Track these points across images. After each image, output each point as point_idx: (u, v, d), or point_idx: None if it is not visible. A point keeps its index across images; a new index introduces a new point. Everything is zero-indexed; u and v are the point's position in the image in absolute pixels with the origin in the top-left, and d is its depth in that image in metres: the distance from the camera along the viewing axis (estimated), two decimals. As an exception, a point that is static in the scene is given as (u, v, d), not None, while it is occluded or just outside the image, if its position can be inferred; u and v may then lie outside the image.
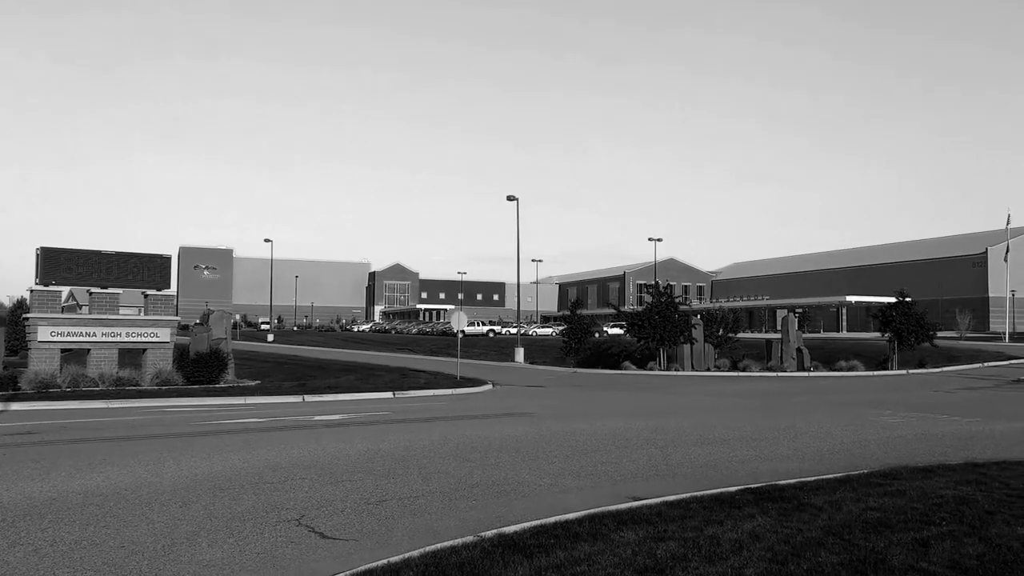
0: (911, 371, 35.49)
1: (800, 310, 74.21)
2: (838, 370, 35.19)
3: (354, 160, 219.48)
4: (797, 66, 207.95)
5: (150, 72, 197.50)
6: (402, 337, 77.25)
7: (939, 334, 39.78)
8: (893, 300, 38.21)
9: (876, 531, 6.64)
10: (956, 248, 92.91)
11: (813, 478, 9.27)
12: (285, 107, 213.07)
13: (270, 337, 73.99)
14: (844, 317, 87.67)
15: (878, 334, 41.65)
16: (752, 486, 8.69)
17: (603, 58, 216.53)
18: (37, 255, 21.69)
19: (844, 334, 76.97)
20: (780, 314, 47.36)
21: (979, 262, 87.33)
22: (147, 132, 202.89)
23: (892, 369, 36.05)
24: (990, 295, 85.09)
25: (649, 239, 78.12)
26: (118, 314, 23.05)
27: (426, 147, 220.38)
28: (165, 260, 23.85)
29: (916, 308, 37.84)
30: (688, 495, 8.23)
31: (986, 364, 38.46)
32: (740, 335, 41.88)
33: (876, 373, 35.01)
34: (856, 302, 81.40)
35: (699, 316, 39.83)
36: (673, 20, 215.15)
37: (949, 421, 16.90)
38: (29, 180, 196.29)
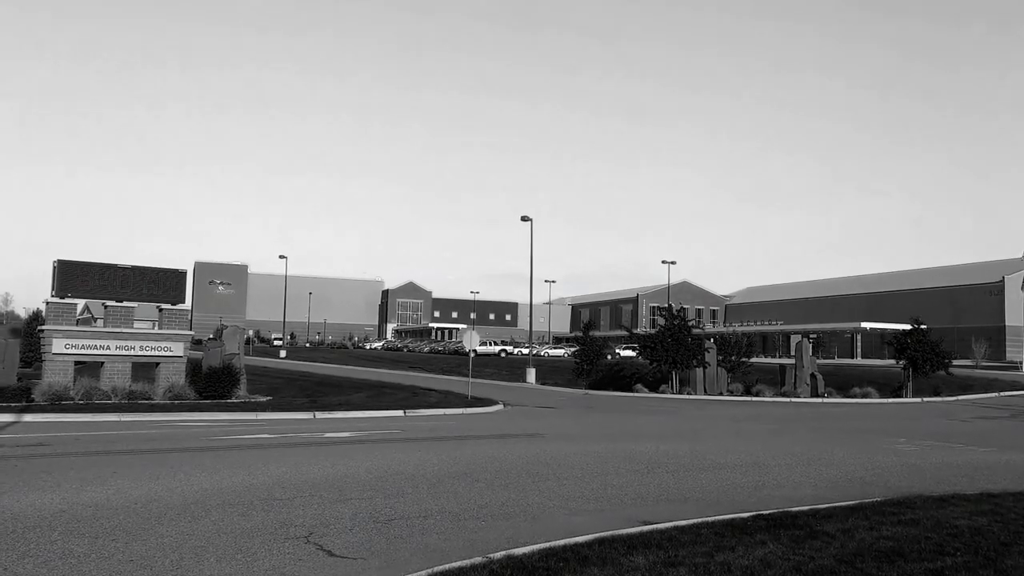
0: (926, 399, 35.18)
1: (814, 336, 73.82)
2: (852, 397, 34.92)
3: (369, 178, 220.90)
4: (815, 93, 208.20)
5: (166, 86, 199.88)
6: (414, 355, 77.27)
7: (954, 362, 39.47)
8: (908, 327, 37.97)
9: (889, 561, 6.57)
10: (972, 276, 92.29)
11: (825, 505, 9.18)
12: (302, 124, 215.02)
13: (283, 353, 74.15)
14: (859, 344, 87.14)
15: (892, 361, 41.37)
16: (764, 512, 8.62)
17: (621, 78, 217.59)
18: (54, 268, 21.87)
19: (858, 361, 76.48)
20: (794, 339, 47.11)
21: (996, 291, 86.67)
22: (164, 146, 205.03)
23: (906, 397, 35.75)
24: (1007, 324, 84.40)
25: (663, 262, 77.90)
26: (132, 328, 23.17)
27: (441, 166, 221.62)
28: (180, 275, 23.98)
29: (931, 336, 37.59)
30: (699, 520, 8.17)
31: (1002, 393, 38.10)
32: (753, 360, 41.68)
33: (890, 400, 34.71)
34: (871, 329, 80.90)
35: (712, 340, 39.65)
36: (693, 43, 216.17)
37: (964, 450, 16.73)
38: (46, 192, 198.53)
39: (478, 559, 6.50)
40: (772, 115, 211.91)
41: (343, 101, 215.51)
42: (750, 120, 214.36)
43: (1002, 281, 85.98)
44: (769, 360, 62.23)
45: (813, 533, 7.54)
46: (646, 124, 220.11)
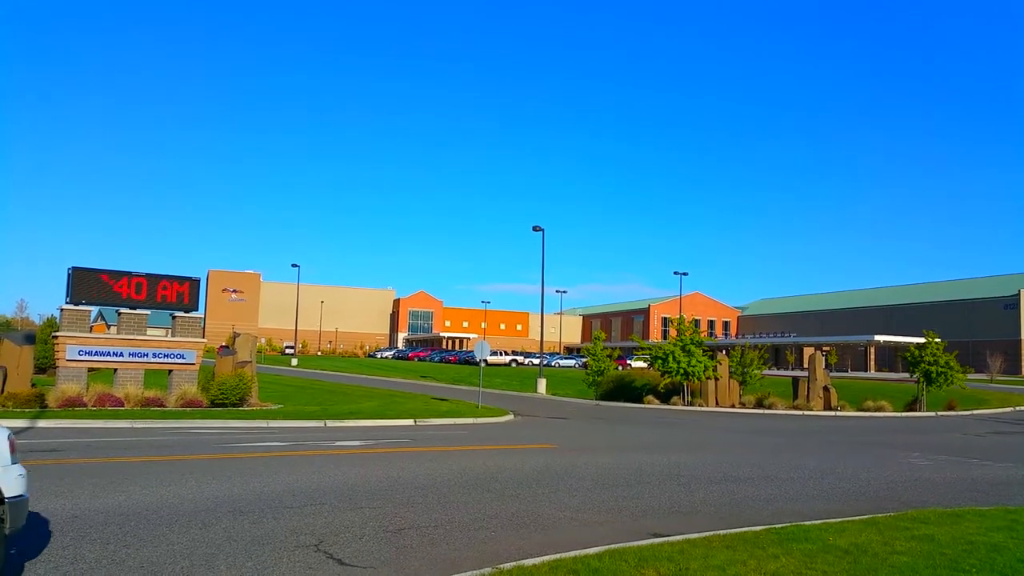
0: (939, 413, 34.87)
1: (827, 348, 73.36)
2: (865, 410, 34.66)
3: (381, 187, 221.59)
4: (826, 99, 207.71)
5: (178, 93, 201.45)
6: (424, 365, 77.34)
7: (969, 376, 39.14)
8: (922, 340, 37.69)
9: (903, 576, 6.50)
10: (987, 289, 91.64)
11: (838, 519, 9.11)
12: (314, 133, 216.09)
13: (294, 361, 74.42)
14: (872, 357, 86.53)
15: (907, 374, 41.07)
16: (776, 526, 8.56)
17: (631, 86, 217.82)
18: (68, 275, 22.00)
19: (872, 374, 75.94)
20: (807, 352, 46.83)
21: (1011, 304, 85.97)
22: (179, 154, 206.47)
23: (920, 410, 35.45)
24: (1022, 338, 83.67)
25: (675, 273, 77.80)
26: (145, 335, 23.29)
27: (453, 175, 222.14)
28: (194, 283, 24.09)
29: (945, 349, 37.31)
30: (711, 533, 8.11)
31: (1017, 408, 37.72)
32: (766, 372, 41.46)
33: (904, 414, 34.44)
34: (884, 342, 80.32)
35: (724, 352, 39.48)
36: (704, 51, 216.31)
37: (979, 465, 16.56)
38: (61, 200, 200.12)
39: (488, 570, 6.48)
40: (785, 120, 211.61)
41: (355, 110, 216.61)
42: (764, 128, 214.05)
43: (1018, 295, 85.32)
44: (782, 373, 61.88)
45: (826, 547, 7.47)
46: (658, 134, 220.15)
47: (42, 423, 17.88)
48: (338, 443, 16.66)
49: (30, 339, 23.51)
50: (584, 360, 51.38)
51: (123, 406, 21.30)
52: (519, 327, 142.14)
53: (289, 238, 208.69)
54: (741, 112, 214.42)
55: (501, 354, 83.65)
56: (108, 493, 9.59)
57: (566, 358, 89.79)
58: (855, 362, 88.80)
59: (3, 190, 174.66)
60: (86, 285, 22.08)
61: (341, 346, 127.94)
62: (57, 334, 22.18)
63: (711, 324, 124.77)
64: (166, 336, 25.11)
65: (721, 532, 8.17)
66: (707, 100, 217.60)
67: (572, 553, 7.08)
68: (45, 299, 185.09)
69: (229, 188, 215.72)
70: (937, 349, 36.52)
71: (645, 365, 43.85)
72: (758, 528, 8.41)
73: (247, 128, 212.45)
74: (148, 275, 23.28)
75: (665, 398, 36.37)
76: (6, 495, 5.67)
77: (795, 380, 37.95)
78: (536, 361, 74.43)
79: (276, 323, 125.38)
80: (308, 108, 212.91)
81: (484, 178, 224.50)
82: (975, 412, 35.55)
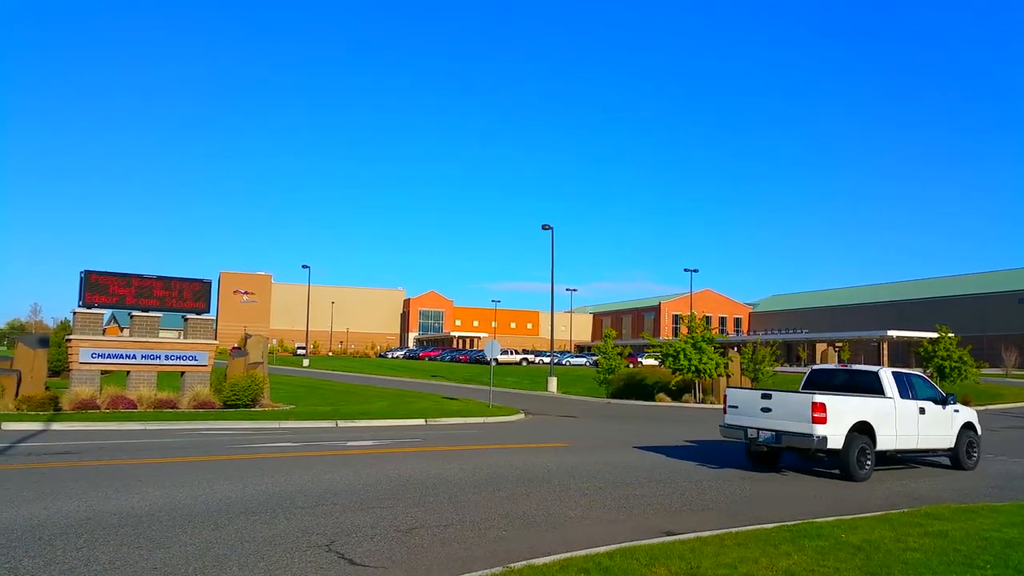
0: (954, 408, 34.63)
1: (840, 344, 72.98)
2: (878, 406, 34.45)
3: (391, 187, 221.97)
4: (833, 93, 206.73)
5: (190, 95, 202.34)
6: (435, 364, 77.46)
7: (983, 371, 38.90)
8: (935, 335, 37.47)
9: (916, 573, 6.47)
10: (1001, 283, 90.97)
11: (851, 516, 9.08)
12: (324, 133, 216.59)
13: (305, 362, 74.67)
14: (885, 352, 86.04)
15: (920, 370, 40.81)
16: (788, 523, 8.54)
17: (639, 84, 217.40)
18: (81, 278, 22.14)
19: (885, 369, 75.35)
20: (819, 348, 46.57)
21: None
22: (189, 157, 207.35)
23: (934, 406, 35.22)
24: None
25: (685, 270, 77.52)
26: (158, 337, 23.40)
27: (462, 174, 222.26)
28: (205, 284, 24.20)
29: (959, 344, 37.10)
30: (723, 531, 8.10)
31: (1033, 403, 37.45)
32: (778, 369, 41.30)
33: (917, 410, 34.20)
34: (897, 337, 79.85)
35: (736, 349, 39.33)
36: (717, 45, 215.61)
37: (994, 460, 16.47)
38: (74, 204, 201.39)
39: (499, 569, 6.48)
40: (795, 115, 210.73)
41: (364, 109, 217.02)
42: (774, 124, 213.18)
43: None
44: (794, 369, 61.61)
45: (838, 544, 7.45)
46: (668, 130, 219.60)
47: (56, 425, 18.00)
48: (349, 443, 16.70)
49: (44, 342, 23.65)
50: (595, 358, 51.34)
51: (136, 408, 21.42)
52: (529, 326, 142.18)
53: (300, 239, 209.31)
54: (752, 108, 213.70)
55: (512, 353, 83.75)
56: (121, 495, 9.65)
57: (577, 356, 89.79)
58: (868, 358, 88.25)
59: (16, 195, 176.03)
60: (98, 288, 22.21)
61: (352, 346, 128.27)
62: (70, 337, 22.31)
63: (722, 321, 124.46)
64: (178, 338, 25.22)
65: (733, 530, 8.15)
66: (717, 96, 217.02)
67: (583, 552, 7.07)
68: (58, 303, 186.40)
69: (240, 190, 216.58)
70: (951, 344, 36.32)
71: (656, 363, 43.70)
72: (770, 525, 8.39)
73: (257, 129, 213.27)
74: (160, 277, 23.40)
75: (676, 396, 36.27)
76: (978, 432, 15.12)
77: (807, 376, 37.79)
78: (547, 360, 74.41)
79: (287, 324, 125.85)
80: (317, 108, 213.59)
81: (493, 176, 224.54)
82: (990, 407, 35.32)
